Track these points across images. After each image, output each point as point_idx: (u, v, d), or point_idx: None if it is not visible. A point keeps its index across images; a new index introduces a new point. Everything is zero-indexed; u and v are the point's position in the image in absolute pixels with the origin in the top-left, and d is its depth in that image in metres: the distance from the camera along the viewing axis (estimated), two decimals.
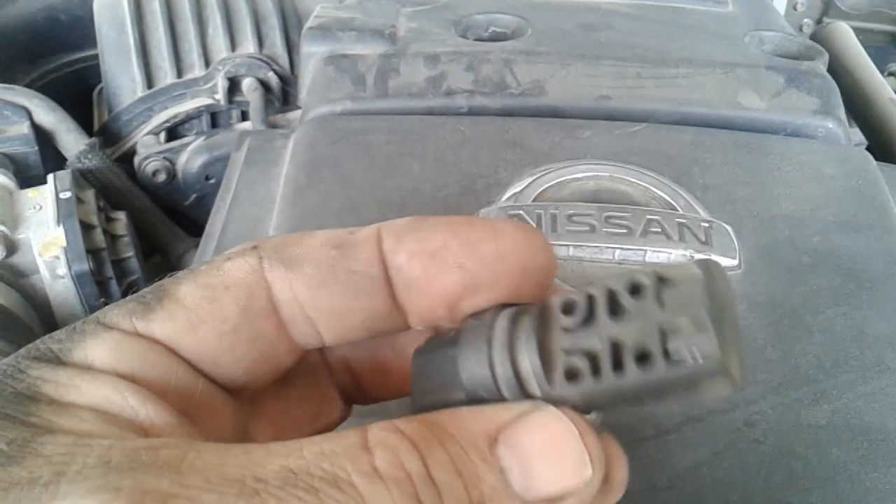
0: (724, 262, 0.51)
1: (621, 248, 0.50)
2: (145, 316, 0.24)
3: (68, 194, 0.63)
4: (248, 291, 0.25)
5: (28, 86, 0.88)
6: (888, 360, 0.47)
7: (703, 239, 0.51)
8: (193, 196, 0.78)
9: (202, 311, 0.24)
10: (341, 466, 0.20)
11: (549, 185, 0.55)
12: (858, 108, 0.79)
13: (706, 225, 0.52)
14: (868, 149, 0.76)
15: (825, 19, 1.14)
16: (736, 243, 0.52)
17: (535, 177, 0.55)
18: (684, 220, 0.52)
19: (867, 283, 0.51)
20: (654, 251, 0.50)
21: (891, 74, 1.03)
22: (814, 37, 0.94)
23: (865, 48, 0.88)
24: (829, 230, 0.54)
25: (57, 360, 0.22)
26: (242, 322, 0.24)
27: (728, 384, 0.20)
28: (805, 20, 1.18)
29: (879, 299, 0.50)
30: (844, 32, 0.89)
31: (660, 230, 0.51)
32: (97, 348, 0.23)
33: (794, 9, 1.18)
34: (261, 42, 0.83)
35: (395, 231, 0.25)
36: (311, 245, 0.25)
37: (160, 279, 0.26)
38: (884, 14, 1.14)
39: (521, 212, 0.52)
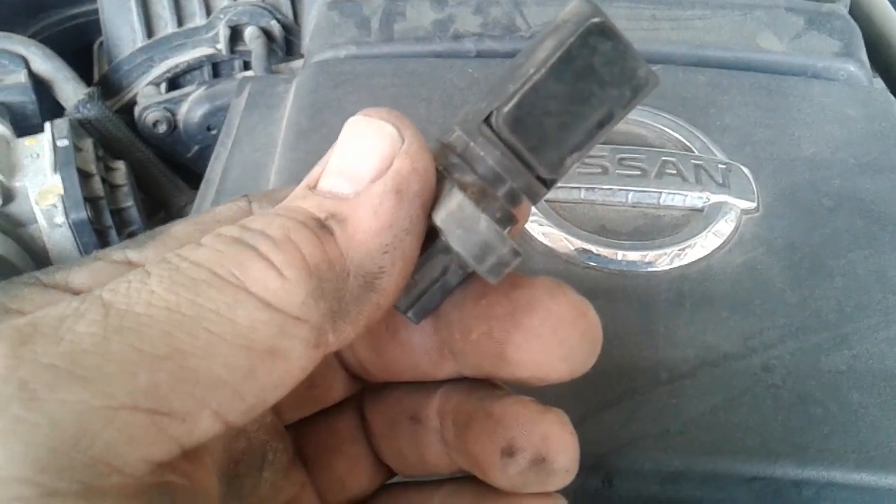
0: (743, 204, 0.49)
1: (635, 191, 0.48)
2: (137, 248, 0.25)
3: (65, 142, 0.61)
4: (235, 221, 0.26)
5: None
6: None
7: (721, 181, 0.49)
8: (195, 147, 0.76)
9: (193, 239, 0.25)
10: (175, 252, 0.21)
11: None
12: (879, 55, 0.76)
13: (723, 167, 0.50)
14: None
15: None
16: (754, 186, 0.50)
17: None
18: (701, 162, 0.50)
19: (890, 225, 0.49)
20: (669, 193, 0.48)
21: None
22: None
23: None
24: (850, 172, 0.52)
25: (36, 283, 0.23)
26: None
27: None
28: None
29: None
30: None
31: (675, 172, 0.49)
32: (79, 273, 0.24)
33: None
34: None
35: None
36: (296, 188, 0.26)
37: None
38: None
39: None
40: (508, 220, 0.24)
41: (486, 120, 0.22)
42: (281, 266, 0.21)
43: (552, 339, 0.26)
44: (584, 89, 0.22)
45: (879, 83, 0.77)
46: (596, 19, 0.21)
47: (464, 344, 0.27)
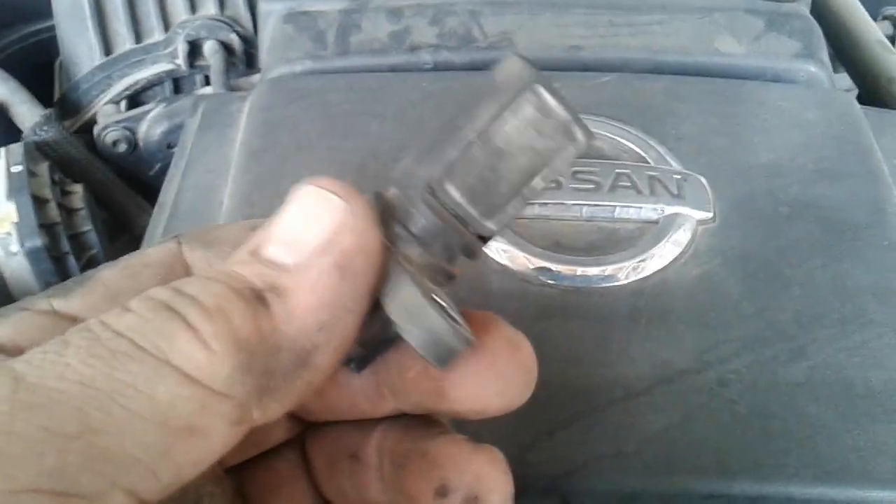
0: (699, 215, 0.48)
1: (588, 205, 0.48)
2: (64, 296, 0.24)
3: (19, 168, 0.60)
4: (167, 268, 0.26)
5: None
6: (871, 312, 0.45)
7: (675, 192, 0.49)
8: (157, 166, 0.75)
9: (121, 285, 0.25)
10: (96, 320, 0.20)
11: None
12: (845, 51, 0.76)
13: (679, 177, 0.50)
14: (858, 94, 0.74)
15: None
16: (711, 195, 0.49)
17: None
18: (656, 174, 0.50)
19: (849, 232, 0.49)
20: (623, 206, 0.48)
21: (885, 18, 0.99)
22: None
23: None
24: (808, 179, 0.51)
25: None
26: None
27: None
28: None
29: (861, 249, 0.48)
30: None
31: (629, 184, 0.49)
32: (3, 326, 0.23)
33: None
34: (222, 3, 0.80)
35: None
36: (230, 229, 0.27)
37: None
38: None
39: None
40: (449, 279, 0.25)
41: (428, 185, 0.23)
42: (208, 338, 0.20)
43: (488, 375, 0.25)
44: (523, 151, 0.22)
45: (845, 79, 0.77)
46: (535, 85, 0.21)
47: (401, 382, 0.27)
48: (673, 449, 0.40)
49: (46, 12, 0.94)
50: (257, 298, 0.21)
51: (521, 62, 0.22)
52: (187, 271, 0.26)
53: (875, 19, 0.83)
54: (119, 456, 0.18)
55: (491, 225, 0.24)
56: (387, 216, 0.24)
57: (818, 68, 0.61)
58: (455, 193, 0.23)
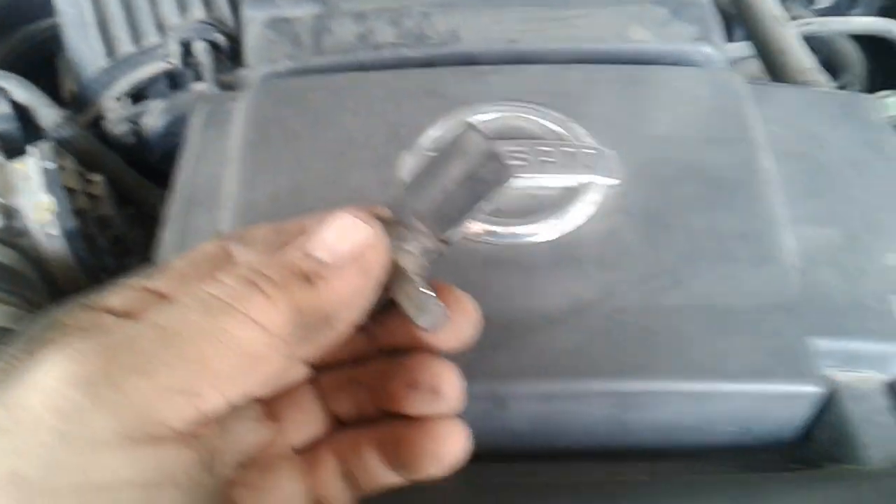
0: (608, 181, 0.61)
1: (520, 177, 0.60)
2: (152, 279, 0.38)
3: (52, 164, 0.72)
4: (218, 259, 0.39)
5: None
6: (736, 251, 0.58)
7: (591, 164, 0.62)
8: (161, 152, 0.86)
9: (187, 272, 0.38)
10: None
11: None
12: (749, 27, 0.88)
13: (593, 152, 0.62)
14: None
15: None
16: (618, 165, 0.62)
17: (448, 121, 0.65)
18: (573, 149, 0.62)
19: (725, 189, 0.61)
20: (547, 177, 0.60)
21: None
22: None
23: None
24: (696, 146, 0.64)
25: (82, 305, 0.36)
26: None
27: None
28: None
29: (733, 202, 0.61)
30: None
31: (553, 159, 0.61)
32: (114, 298, 0.37)
33: None
34: (208, 5, 0.91)
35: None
36: (259, 230, 0.40)
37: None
38: None
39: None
40: (425, 271, 0.39)
41: (419, 215, 0.38)
42: (277, 302, 0.33)
43: (447, 324, 0.39)
44: (477, 190, 0.38)
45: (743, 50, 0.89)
46: (494, 154, 0.38)
47: (388, 334, 0.42)
48: (580, 361, 0.53)
49: (41, 12, 1.04)
50: (307, 280, 0.34)
51: (481, 136, 0.38)
52: (232, 262, 0.39)
53: None
54: (220, 373, 0.32)
55: (453, 236, 0.39)
56: (390, 231, 0.38)
57: (712, 49, 0.73)
58: (435, 219, 0.38)
